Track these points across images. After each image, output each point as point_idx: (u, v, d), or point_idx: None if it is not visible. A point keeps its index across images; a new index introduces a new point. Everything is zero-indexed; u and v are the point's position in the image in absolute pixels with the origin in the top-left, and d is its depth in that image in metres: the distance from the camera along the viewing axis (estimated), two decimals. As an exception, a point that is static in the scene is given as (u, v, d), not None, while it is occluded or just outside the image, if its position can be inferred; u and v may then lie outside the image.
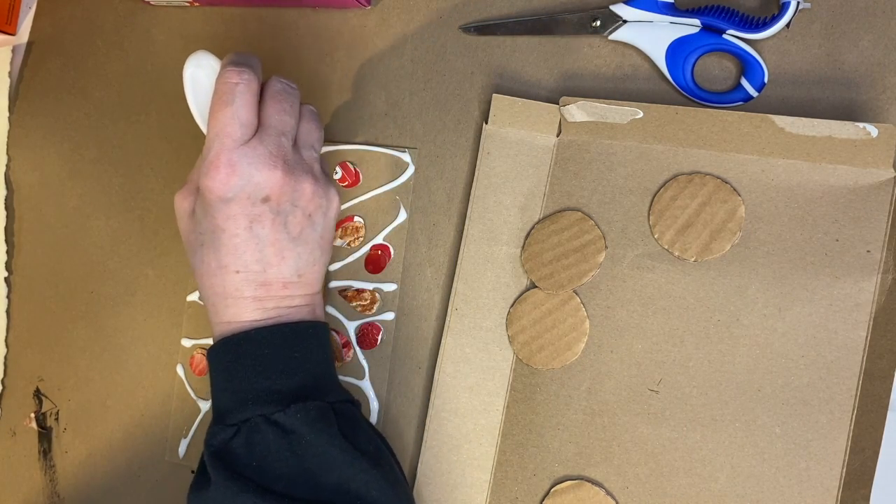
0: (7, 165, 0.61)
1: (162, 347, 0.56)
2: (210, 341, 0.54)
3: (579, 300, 0.46)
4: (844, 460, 0.42)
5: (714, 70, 0.47)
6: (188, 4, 0.57)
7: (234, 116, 0.40)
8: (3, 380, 0.60)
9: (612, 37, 0.47)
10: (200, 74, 0.43)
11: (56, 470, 0.58)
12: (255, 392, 0.40)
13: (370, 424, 0.44)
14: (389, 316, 0.51)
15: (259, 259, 0.41)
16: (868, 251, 0.42)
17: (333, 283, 0.52)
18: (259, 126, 0.41)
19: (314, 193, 0.42)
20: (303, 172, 0.42)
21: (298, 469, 0.39)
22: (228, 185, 0.40)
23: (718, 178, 0.45)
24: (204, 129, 0.43)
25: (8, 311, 0.60)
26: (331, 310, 0.52)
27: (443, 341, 0.48)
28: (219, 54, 0.56)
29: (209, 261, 0.41)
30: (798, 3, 0.43)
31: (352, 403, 0.43)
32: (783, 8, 0.43)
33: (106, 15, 0.60)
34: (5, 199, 0.61)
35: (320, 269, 0.44)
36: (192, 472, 0.54)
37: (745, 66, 0.45)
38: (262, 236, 0.41)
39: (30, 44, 0.62)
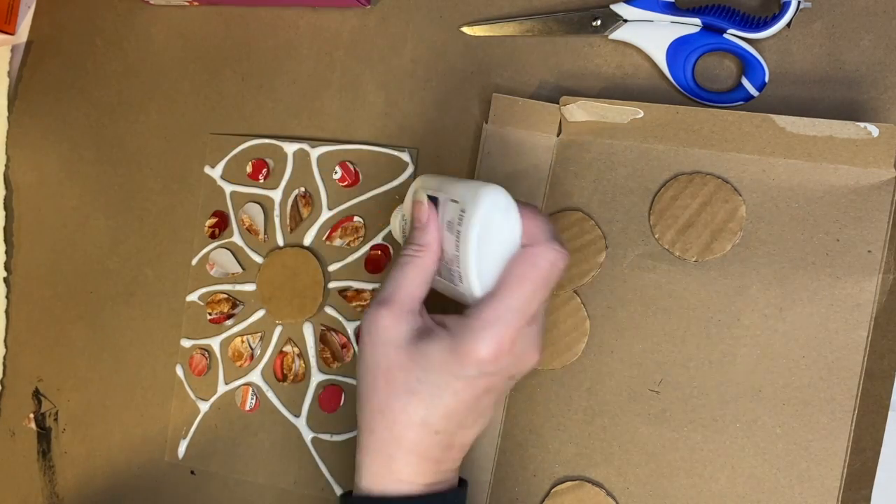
0: (6, 165, 0.61)
1: (162, 347, 0.56)
2: (209, 342, 0.54)
3: (580, 300, 0.46)
4: (845, 460, 0.42)
5: (715, 70, 0.47)
6: (188, 4, 0.57)
7: (538, 299, 0.36)
8: (2, 380, 0.60)
9: (612, 36, 0.47)
10: (495, 217, 0.36)
11: (55, 470, 0.58)
12: None
13: None
14: (389, 316, 0.51)
15: (461, 423, 0.38)
16: (869, 251, 0.42)
17: (333, 284, 0.52)
18: None
19: (536, 364, 0.39)
20: (540, 346, 0.39)
21: None
22: (499, 362, 0.36)
23: (719, 177, 0.45)
24: (473, 276, 0.37)
25: (7, 311, 0.60)
26: (330, 310, 0.52)
27: (443, 341, 0.48)
28: (219, 54, 0.57)
29: (414, 413, 0.36)
30: (799, 2, 0.43)
31: None
32: (784, 7, 0.43)
33: (105, 15, 0.60)
34: (5, 199, 0.61)
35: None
36: (192, 472, 0.54)
37: (746, 65, 0.45)
38: (481, 404, 0.38)
39: (29, 43, 0.62)
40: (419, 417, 0.37)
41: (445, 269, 0.39)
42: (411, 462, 0.37)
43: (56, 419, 0.58)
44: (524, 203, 0.38)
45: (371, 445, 0.38)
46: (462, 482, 0.40)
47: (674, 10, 0.46)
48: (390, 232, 0.51)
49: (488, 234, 0.36)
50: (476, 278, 0.37)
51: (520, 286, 0.36)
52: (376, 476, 0.38)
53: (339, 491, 0.51)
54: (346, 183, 0.52)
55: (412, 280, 0.38)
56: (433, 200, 0.39)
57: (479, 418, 0.38)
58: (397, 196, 0.51)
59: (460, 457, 0.39)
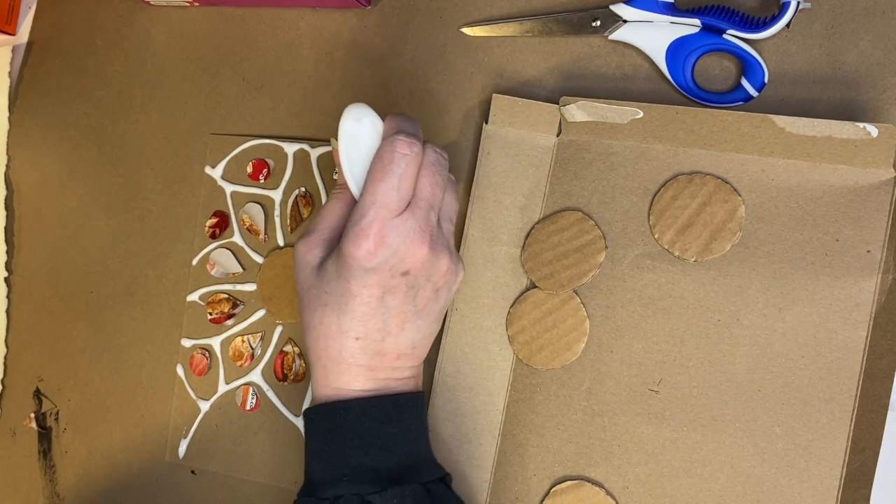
0: (7, 165, 0.61)
1: (162, 347, 0.56)
2: (209, 342, 0.54)
3: (579, 300, 0.46)
4: (844, 460, 0.42)
5: (714, 70, 0.47)
6: (188, 4, 0.57)
7: (396, 188, 0.39)
8: (3, 380, 0.60)
9: (612, 37, 0.47)
10: (360, 131, 0.41)
11: (56, 470, 0.58)
12: (351, 468, 0.39)
13: (462, 502, 0.42)
14: (389, 316, 0.51)
15: (381, 328, 0.40)
16: (868, 251, 0.42)
17: (333, 283, 0.52)
18: (412, 197, 0.40)
19: (448, 269, 0.41)
20: (442, 248, 0.41)
21: None
22: (375, 255, 0.39)
23: (719, 178, 0.45)
24: (352, 185, 0.41)
25: (8, 311, 0.60)
26: (331, 310, 0.52)
27: (443, 341, 0.48)
28: (219, 54, 0.57)
29: (329, 323, 0.40)
30: (798, 3, 0.43)
31: (443, 482, 0.42)
32: (783, 8, 0.43)
33: (106, 15, 0.60)
34: (5, 199, 0.61)
35: (431, 342, 0.43)
36: (192, 472, 0.54)
37: (746, 65, 0.45)
38: (391, 307, 0.40)
39: (30, 44, 0.62)
40: (335, 326, 0.40)
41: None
42: (343, 370, 0.41)
43: (57, 419, 0.58)
44: (397, 114, 0.42)
45: (311, 361, 0.42)
46: (418, 394, 0.43)
47: (673, 10, 0.46)
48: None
49: (354, 143, 0.41)
50: (353, 184, 0.41)
51: (374, 181, 0.39)
52: (320, 387, 0.42)
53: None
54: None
55: (331, 213, 0.42)
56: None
57: (403, 323, 0.41)
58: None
59: (402, 365, 0.42)
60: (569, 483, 0.46)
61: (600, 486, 0.45)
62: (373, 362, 0.41)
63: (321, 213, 0.43)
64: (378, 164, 0.40)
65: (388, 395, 0.41)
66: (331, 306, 0.40)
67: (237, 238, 0.55)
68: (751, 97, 0.45)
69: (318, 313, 0.41)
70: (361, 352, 0.40)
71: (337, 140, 0.41)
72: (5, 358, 0.60)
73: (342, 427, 0.40)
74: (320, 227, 0.42)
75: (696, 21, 0.46)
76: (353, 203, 0.41)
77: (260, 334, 0.54)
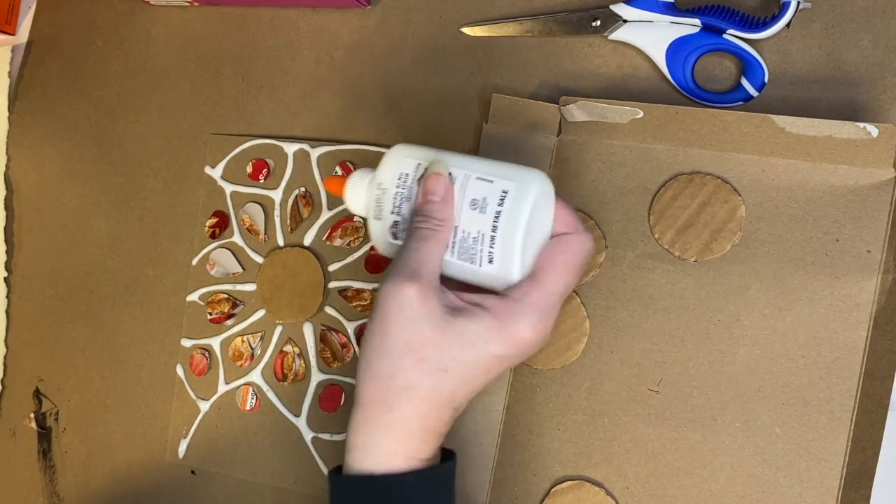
0: (7, 165, 0.61)
1: (162, 347, 0.56)
2: (209, 342, 0.54)
3: (579, 300, 0.46)
4: (845, 460, 0.42)
5: (714, 70, 0.47)
6: (188, 4, 0.57)
7: (571, 288, 0.38)
8: (2, 380, 0.60)
9: (612, 37, 0.47)
10: (542, 205, 0.37)
11: (56, 470, 0.58)
12: None
13: None
14: (389, 316, 0.51)
15: (472, 398, 0.38)
16: (868, 251, 0.42)
17: (333, 283, 0.52)
18: None
19: None
20: None
21: None
22: (539, 344, 0.37)
23: (719, 178, 0.45)
24: (516, 255, 0.36)
25: (8, 311, 0.60)
26: (331, 310, 0.52)
27: (443, 341, 0.48)
28: (219, 54, 0.57)
29: (443, 391, 0.36)
30: (798, 2, 0.43)
31: None
32: (783, 8, 0.43)
33: (106, 15, 0.60)
34: (5, 199, 0.61)
35: None
36: (192, 472, 0.54)
37: (746, 65, 0.45)
38: (492, 382, 0.38)
39: (29, 44, 0.62)
40: (448, 395, 0.36)
41: (462, 249, 0.38)
42: (427, 439, 0.37)
43: (56, 419, 0.58)
44: (567, 201, 0.39)
45: (388, 424, 0.37)
46: (447, 451, 0.40)
47: (673, 10, 0.46)
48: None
49: (533, 217, 0.36)
50: (519, 261, 0.36)
51: (568, 273, 0.37)
52: (388, 455, 0.37)
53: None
54: (346, 183, 0.52)
55: (435, 254, 0.37)
56: (449, 177, 0.39)
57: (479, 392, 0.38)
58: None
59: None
60: (569, 483, 0.46)
61: (600, 486, 0.45)
62: (446, 430, 0.38)
63: (418, 251, 0.37)
64: (573, 257, 0.37)
65: (441, 467, 0.38)
66: (453, 374, 0.36)
67: (237, 238, 0.55)
68: (751, 97, 0.45)
69: (434, 378, 0.36)
70: (449, 422, 0.38)
71: (447, 167, 0.38)
72: (5, 358, 0.60)
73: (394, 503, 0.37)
74: (427, 270, 0.37)
75: (696, 21, 0.46)
76: (447, 246, 0.38)
77: (260, 334, 0.54)
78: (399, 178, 0.40)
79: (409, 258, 0.37)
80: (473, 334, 0.36)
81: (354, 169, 0.52)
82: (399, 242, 0.40)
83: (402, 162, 0.40)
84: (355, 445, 0.37)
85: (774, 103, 0.46)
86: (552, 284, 0.37)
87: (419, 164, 0.39)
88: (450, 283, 0.38)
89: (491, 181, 0.37)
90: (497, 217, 0.36)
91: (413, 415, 0.36)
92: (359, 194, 0.41)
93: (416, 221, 0.38)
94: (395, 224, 0.40)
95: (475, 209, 0.37)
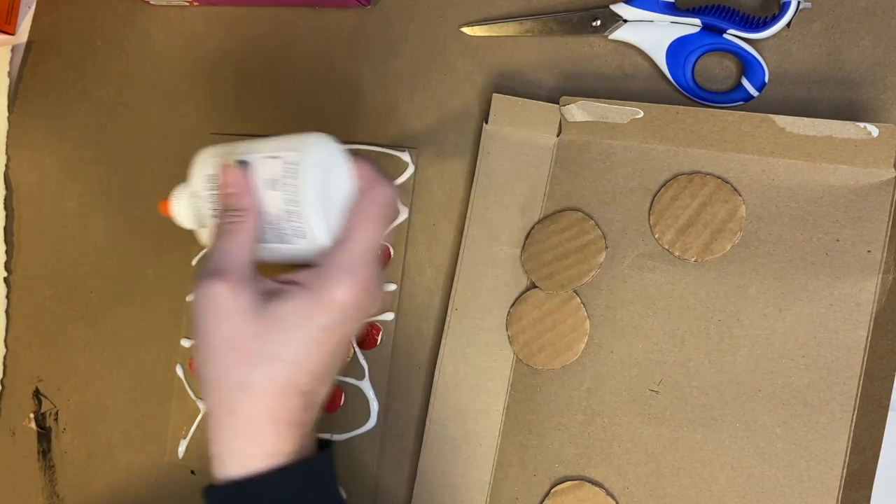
0: (7, 165, 0.61)
1: (162, 347, 0.56)
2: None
3: (579, 300, 0.46)
4: (845, 461, 0.42)
5: (714, 70, 0.47)
6: (188, 4, 0.57)
7: (384, 237, 0.37)
8: (2, 380, 0.60)
9: (612, 36, 0.47)
10: (328, 163, 0.37)
11: (55, 470, 0.58)
12: None
13: None
14: (389, 316, 0.51)
15: (322, 380, 0.37)
16: (869, 251, 0.42)
17: (333, 283, 0.52)
18: None
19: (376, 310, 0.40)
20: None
21: None
22: (361, 304, 0.36)
23: (719, 177, 0.45)
24: (316, 221, 0.36)
25: (7, 312, 0.60)
26: (331, 310, 0.52)
27: (443, 341, 0.48)
28: (219, 54, 0.57)
29: (278, 378, 0.35)
30: (798, 2, 0.43)
31: None
32: (783, 7, 0.43)
33: (106, 15, 0.60)
34: (5, 199, 0.61)
35: None
36: (192, 472, 0.54)
37: (746, 65, 0.45)
38: (337, 358, 0.37)
39: (29, 43, 0.62)
40: (284, 381, 0.35)
41: (273, 232, 0.38)
42: (281, 432, 0.35)
43: (56, 419, 0.58)
44: (366, 157, 0.39)
45: (235, 427, 0.35)
46: (323, 442, 0.39)
47: (674, 10, 0.46)
48: (391, 231, 0.51)
49: (325, 181, 0.36)
50: (322, 226, 0.36)
51: (371, 226, 0.37)
52: (245, 457, 0.35)
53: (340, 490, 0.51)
54: (346, 183, 0.52)
55: (240, 246, 0.37)
56: (242, 166, 0.38)
57: (333, 371, 0.37)
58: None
59: (315, 417, 0.38)
60: (569, 483, 0.46)
61: (600, 486, 0.45)
62: (305, 418, 0.36)
63: (222, 247, 0.37)
64: (373, 209, 0.37)
65: (310, 460, 0.37)
66: (282, 358, 0.35)
67: (237, 238, 0.55)
68: (751, 97, 0.45)
69: (264, 368, 0.35)
70: (301, 408, 0.36)
71: (239, 156, 0.38)
72: (5, 358, 0.60)
73: None
74: (233, 264, 0.36)
75: (697, 21, 0.45)
76: (256, 234, 0.38)
77: (260, 334, 0.53)
78: (208, 182, 0.40)
79: (213, 257, 0.37)
80: (291, 313, 0.35)
81: (354, 169, 0.52)
82: None
83: (206, 164, 0.40)
84: (215, 455, 0.36)
85: (774, 103, 0.46)
86: (357, 241, 0.36)
87: (220, 161, 0.39)
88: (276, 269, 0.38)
89: (278, 157, 0.37)
90: (292, 191, 0.36)
91: (255, 411, 0.35)
92: (182, 209, 0.42)
93: (219, 219, 0.38)
94: None
95: (273, 189, 0.37)
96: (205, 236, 0.41)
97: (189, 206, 0.41)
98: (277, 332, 0.35)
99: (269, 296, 0.36)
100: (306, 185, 0.36)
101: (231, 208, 0.38)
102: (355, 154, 0.38)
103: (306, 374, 0.35)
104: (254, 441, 0.35)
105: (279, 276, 0.37)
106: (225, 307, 0.35)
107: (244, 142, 0.39)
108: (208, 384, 0.36)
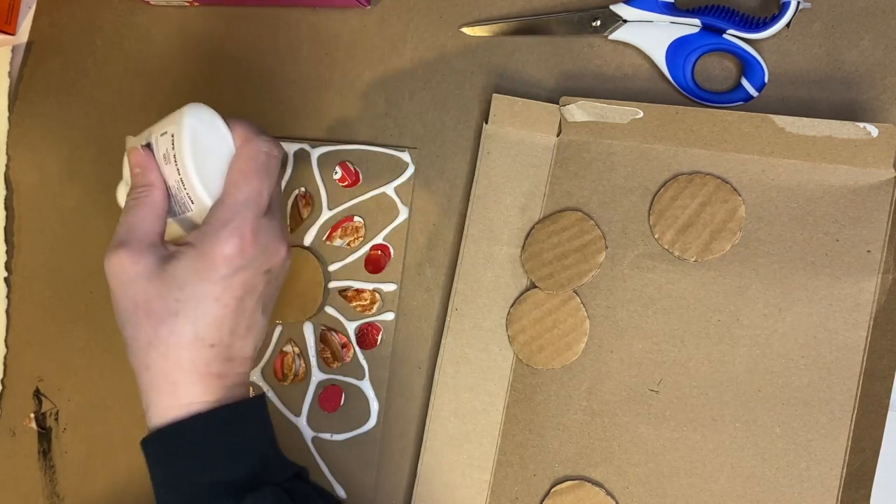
0: (7, 165, 0.61)
1: (162, 347, 0.56)
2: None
3: (579, 300, 0.46)
4: (845, 460, 0.42)
5: (714, 70, 0.47)
6: (188, 4, 0.57)
7: (266, 189, 0.39)
8: (2, 380, 0.60)
9: (612, 37, 0.47)
10: (203, 130, 0.40)
11: (56, 470, 0.58)
12: (204, 487, 0.37)
13: (323, 493, 0.42)
14: (389, 316, 0.51)
15: (234, 332, 0.39)
16: (868, 251, 0.42)
17: (333, 283, 0.52)
18: None
19: (286, 259, 0.41)
20: (287, 241, 0.41)
21: None
22: (246, 254, 0.38)
23: (719, 178, 0.45)
24: (197, 184, 0.39)
25: (8, 311, 0.60)
26: (331, 310, 0.52)
27: (443, 341, 0.48)
28: (219, 54, 0.57)
29: (182, 332, 0.37)
30: (798, 2, 0.43)
31: (300, 477, 0.41)
32: (783, 8, 0.43)
33: (106, 15, 0.60)
34: (5, 199, 0.61)
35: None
36: (192, 472, 0.54)
37: (746, 65, 0.45)
38: (247, 309, 0.39)
39: (29, 44, 0.62)
40: (190, 335, 0.37)
41: (178, 205, 0.41)
42: (195, 382, 0.38)
43: (57, 419, 0.58)
44: (242, 118, 0.41)
45: (152, 381, 0.38)
46: (258, 397, 0.41)
47: (673, 10, 0.46)
48: (391, 231, 0.51)
49: (201, 145, 0.39)
50: (202, 189, 0.39)
51: (245, 180, 0.39)
52: (164, 408, 0.38)
53: (339, 490, 0.51)
54: (346, 183, 0.52)
55: (144, 217, 0.40)
56: (147, 147, 0.41)
57: (251, 325, 0.40)
58: (397, 196, 0.51)
59: (245, 370, 0.40)
60: (569, 483, 0.46)
61: (600, 486, 0.45)
62: (225, 370, 0.39)
63: (125, 221, 0.40)
64: (247, 164, 0.39)
65: (232, 405, 0.39)
66: (184, 314, 0.37)
67: (237, 238, 0.55)
68: (751, 97, 0.45)
69: (168, 325, 0.37)
70: (215, 359, 0.38)
71: (146, 139, 0.41)
72: (5, 358, 0.60)
73: (186, 450, 0.38)
74: (136, 235, 0.39)
75: (696, 21, 0.46)
76: (163, 206, 0.40)
77: (260, 334, 0.54)
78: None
79: (118, 231, 0.40)
80: (184, 270, 0.38)
81: (354, 169, 0.52)
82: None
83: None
84: (145, 411, 0.39)
85: (774, 103, 0.46)
86: (233, 196, 0.39)
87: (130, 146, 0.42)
88: None
89: (165, 132, 0.40)
90: (177, 161, 0.39)
91: (168, 366, 0.38)
92: (121, 199, 0.44)
93: (126, 197, 0.41)
94: None
95: (167, 162, 0.40)
96: None
97: (125, 195, 0.44)
98: (175, 290, 0.38)
99: (167, 258, 0.38)
100: (184, 154, 0.39)
101: (135, 185, 0.41)
102: (234, 117, 0.41)
103: (209, 326, 0.38)
104: (171, 393, 0.38)
105: (178, 241, 0.40)
106: (128, 273, 0.38)
107: (155, 124, 0.42)
108: (128, 346, 0.39)
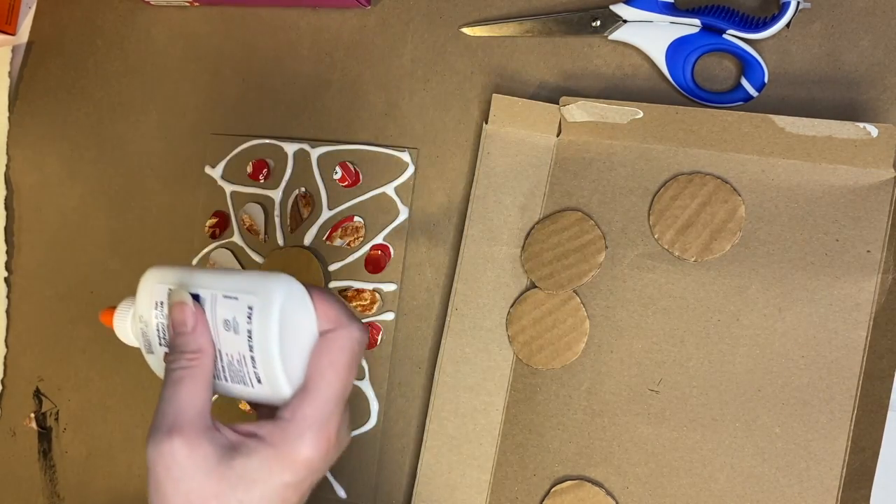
0: (7, 165, 0.61)
1: (162, 347, 0.56)
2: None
3: (579, 300, 0.46)
4: (844, 460, 0.42)
5: (714, 70, 0.47)
6: (188, 4, 0.57)
7: (353, 381, 0.35)
8: (3, 380, 0.60)
9: (612, 37, 0.47)
10: (290, 309, 0.33)
11: (56, 470, 0.58)
12: None
13: None
14: (389, 316, 0.51)
15: None
16: (868, 251, 0.42)
17: (333, 283, 0.52)
18: None
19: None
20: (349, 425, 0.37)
21: None
22: (328, 457, 0.34)
23: (718, 178, 0.45)
24: (280, 374, 0.33)
25: (8, 311, 0.60)
26: (331, 310, 0.52)
27: (443, 341, 0.48)
28: (219, 54, 0.57)
29: None
30: (798, 2, 0.43)
31: None
32: (783, 8, 0.43)
33: (106, 15, 0.60)
34: (5, 199, 0.61)
35: None
36: (192, 472, 0.54)
37: (745, 65, 0.45)
38: None
39: (30, 44, 0.62)
40: None
41: (231, 372, 0.35)
42: None
43: (57, 419, 0.58)
44: (310, 285, 0.35)
45: None
46: None
47: (673, 10, 0.46)
48: (391, 231, 0.51)
49: (287, 327, 0.33)
50: (284, 377, 0.33)
51: (336, 375, 0.34)
52: None
53: (340, 490, 0.51)
54: (346, 183, 0.52)
55: (195, 394, 0.34)
56: (196, 301, 0.35)
57: None
58: (397, 196, 0.51)
59: None
60: (569, 483, 0.46)
61: (600, 486, 0.45)
62: None
63: (173, 398, 0.34)
64: (339, 356, 0.34)
65: None
66: None
67: (237, 238, 0.55)
68: (751, 97, 0.45)
69: None
70: None
71: (190, 286, 0.35)
72: (5, 358, 0.60)
73: None
74: (189, 417, 0.34)
75: (696, 21, 0.46)
76: (212, 376, 0.35)
77: (260, 334, 0.53)
78: (156, 308, 0.37)
79: (166, 410, 0.34)
80: (254, 470, 0.33)
81: (354, 169, 0.52)
82: None
83: (154, 290, 0.37)
84: None
85: (774, 103, 0.46)
86: (323, 392, 0.34)
87: (170, 289, 0.36)
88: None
89: (236, 298, 0.34)
90: (250, 336, 0.34)
91: None
92: (126, 329, 0.39)
93: (168, 361, 0.35)
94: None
95: (229, 330, 0.34)
96: (153, 363, 0.38)
97: (135, 328, 0.38)
98: (240, 490, 0.33)
99: (229, 450, 0.33)
100: (266, 333, 0.33)
101: (182, 350, 0.35)
102: (319, 288, 0.36)
103: None
104: None
105: (238, 425, 0.35)
106: (184, 466, 0.33)
107: (197, 271, 0.36)
108: None
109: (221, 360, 0.35)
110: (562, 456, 0.46)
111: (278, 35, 0.56)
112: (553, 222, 0.47)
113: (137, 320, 0.38)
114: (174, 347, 0.35)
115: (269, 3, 0.56)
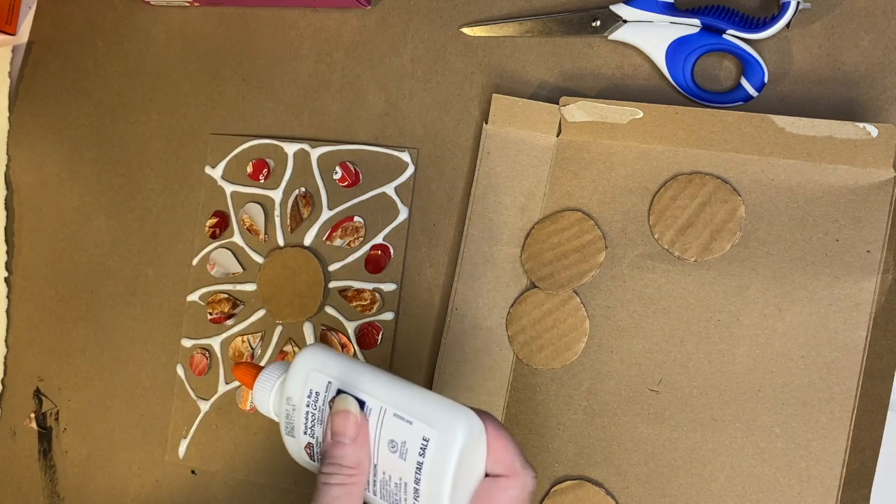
0: (7, 165, 0.61)
1: (162, 347, 0.56)
2: (209, 342, 0.54)
3: (579, 300, 0.46)
4: (844, 460, 0.42)
5: (714, 70, 0.47)
6: (188, 4, 0.57)
7: None
8: (3, 380, 0.60)
9: (612, 37, 0.47)
10: (468, 448, 0.31)
11: (56, 470, 0.58)
12: None
13: None
14: (389, 316, 0.51)
15: None
16: (868, 251, 0.42)
17: (333, 283, 0.52)
18: None
19: None
20: None
21: None
22: None
23: (718, 178, 0.45)
24: None
25: (8, 311, 0.60)
26: (331, 310, 0.52)
27: (443, 341, 0.48)
28: (219, 54, 0.57)
29: None
30: (798, 3, 0.43)
31: None
32: (783, 8, 0.43)
33: (106, 15, 0.60)
34: (5, 199, 0.61)
35: None
36: (192, 471, 0.54)
37: (745, 65, 0.45)
38: None
39: (30, 44, 0.62)
40: None
41: (385, 491, 0.33)
42: None
43: (57, 419, 0.58)
44: (486, 417, 0.32)
45: None
46: None
47: (673, 10, 0.46)
48: (391, 231, 0.51)
49: (461, 468, 0.31)
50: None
51: None
52: None
53: None
54: (346, 183, 0.52)
55: None
56: (359, 402, 0.33)
57: None
58: (397, 196, 0.51)
59: None
60: (569, 483, 0.46)
61: (600, 485, 0.45)
62: None
63: None
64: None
65: None
66: None
67: (237, 238, 0.55)
68: (751, 97, 0.45)
69: None
70: None
71: (350, 390, 0.33)
72: (5, 358, 0.60)
73: None
74: None
75: (696, 21, 0.46)
76: (363, 495, 0.33)
77: (260, 334, 0.54)
78: (309, 397, 0.35)
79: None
80: None
81: (354, 169, 0.52)
82: (317, 464, 0.35)
83: (310, 378, 0.35)
84: None
85: (774, 103, 0.46)
86: None
87: (329, 382, 0.34)
88: None
89: (410, 422, 0.32)
90: (419, 468, 0.31)
91: None
92: (268, 402, 0.37)
93: (324, 469, 0.33)
94: (310, 445, 0.35)
95: (394, 452, 0.32)
96: (291, 446, 0.36)
97: (277, 402, 0.37)
98: None
99: None
100: (440, 474, 0.31)
101: (341, 462, 0.32)
102: (495, 423, 0.33)
103: None
104: None
105: None
106: None
107: (362, 368, 0.34)
108: None
109: (375, 474, 0.33)
110: (562, 456, 0.46)
111: (278, 35, 0.56)
112: (553, 222, 0.47)
113: (285, 400, 0.36)
114: (332, 457, 0.33)
115: (269, 3, 0.56)
